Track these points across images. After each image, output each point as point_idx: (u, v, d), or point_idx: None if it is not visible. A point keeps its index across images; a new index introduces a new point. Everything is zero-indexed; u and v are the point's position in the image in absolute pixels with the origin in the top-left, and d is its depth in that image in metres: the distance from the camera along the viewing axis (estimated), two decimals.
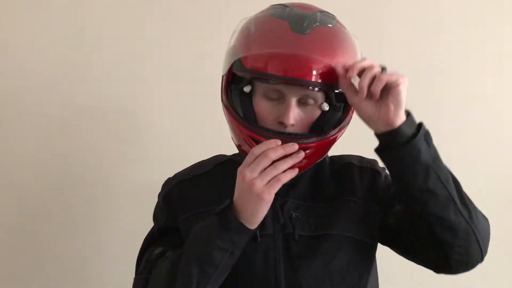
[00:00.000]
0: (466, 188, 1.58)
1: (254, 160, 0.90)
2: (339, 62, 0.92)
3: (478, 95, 1.67)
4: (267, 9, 1.01)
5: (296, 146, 0.91)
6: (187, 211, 1.05)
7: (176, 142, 1.62)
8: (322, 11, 0.99)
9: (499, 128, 1.68)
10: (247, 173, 0.89)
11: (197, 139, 1.61)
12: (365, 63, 0.89)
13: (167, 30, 1.63)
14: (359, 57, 0.98)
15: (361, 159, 1.11)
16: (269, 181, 0.89)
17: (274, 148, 0.90)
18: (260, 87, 0.97)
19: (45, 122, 1.62)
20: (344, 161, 1.11)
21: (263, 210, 0.90)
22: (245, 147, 0.98)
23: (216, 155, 1.16)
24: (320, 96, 0.96)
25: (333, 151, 1.06)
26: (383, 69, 0.89)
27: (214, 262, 0.92)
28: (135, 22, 1.63)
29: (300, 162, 0.92)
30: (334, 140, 0.99)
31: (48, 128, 1.62)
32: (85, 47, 1.62)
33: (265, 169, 0.89)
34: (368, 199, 1.05)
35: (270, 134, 0.93)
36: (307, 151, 0.93)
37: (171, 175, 1.15)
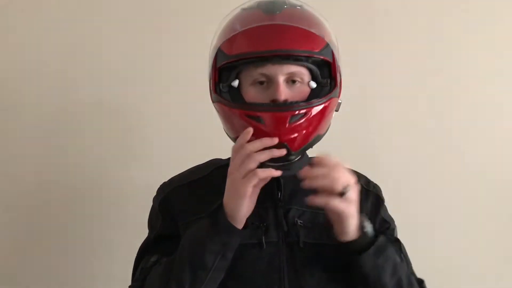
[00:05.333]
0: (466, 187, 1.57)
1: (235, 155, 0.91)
2: (312, 30, 0.96)
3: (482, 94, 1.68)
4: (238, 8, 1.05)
5: (275, 140, 0.90)
6: (186, 217, 1.04)
7: (177, 143, 1.62)
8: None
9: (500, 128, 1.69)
10: (231, 169, 0.92)
11: (197, 140, 1.61)
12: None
13: (169, 30, 1.63)
14: (332, 36, 1.01)
15: (367, 181, 1.12)
16: (247, 174, 0.89)
17: (252, 142, 0.90)
18: (247, 77, 0.98)
19: (45, 122, 1.62)
20: None
21: (242, 205, 0.90)
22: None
23: (212, 159, 1.15)
24: (306, 73, 0.98)
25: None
26: (343, 193, 0.89)
27: (206, 265, 0.92)
28: (136, 22, 1.64)
29: (298, 132, 0.92)
30: (325, 110, 0.97)
31: (48, 128, 1.62)
32: (86, 47, 1.63)
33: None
34: None
35: (265, 107, 0.93)
36: (304, 119, 0.93)
37: (171, 176, 1.15)
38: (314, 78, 0.99)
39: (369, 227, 0.95)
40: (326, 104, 0.96)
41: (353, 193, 0.91)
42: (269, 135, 0.91)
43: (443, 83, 1.66)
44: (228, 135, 1.04)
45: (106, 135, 1.63)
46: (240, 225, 0.92)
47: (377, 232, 0.97)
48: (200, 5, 1.63)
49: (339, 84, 1.00)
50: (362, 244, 0.94)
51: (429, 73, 1.66)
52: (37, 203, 1.62)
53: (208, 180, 1.09)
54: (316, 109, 0.94)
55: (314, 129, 0.96)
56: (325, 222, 0.96)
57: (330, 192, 0.89)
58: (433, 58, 1.66)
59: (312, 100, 0.95)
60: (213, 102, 1.03)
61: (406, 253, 1.07)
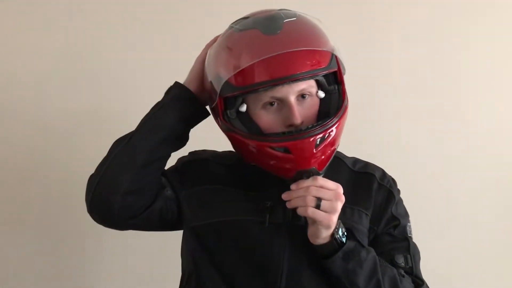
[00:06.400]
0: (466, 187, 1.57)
1: None
2: (316, 45, 0.95)
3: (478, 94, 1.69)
4: (230, 28, 1.02)
5: None
6: (193, 186, 1.08)
7: None
8: (281, 10, 1.01)
9: (500, 127, 1.70)
10: None
11: (196, 143, 1.61)
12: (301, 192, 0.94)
13: (169, 36, 1.64)
14: (329, 38, 0.99)
15: (383, 175, 1.12)
16: None
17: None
18: (256, 100, 0.97)
19: (44, 125, 1.62)
20: (367, 169, 1.11)
21: (192, 70, 1.06)
22: (270, 161, 0.96)
23: None
24: (314, 85, 0.98)
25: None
26: (319, 200, 0.92)
27: (159, 121, 1.03)
28: (135, 24, 1.64)
29: (325, 153, 0.94)
30: (343, 121, 0.98)
31: (47, 130, 1.63)
32: (84, 49, 1.63)
33: None
34: (374, 217, 1.07)
35: (288, 136, 0.93)
36: (328, 140, 0.94)
37: None
38: (320, 86, 0.99)
39: (340, 234, 0.97)
40: (344, 116, 0.97)
41: (331, 205, 0.93)
42: (299, 163, 0.93)
43: (446, 83, 1.67)
44: (243, 157, 1.04)
45: (104, 140, 1.62)
46: (191, 86, 1.04)
47: (352, 237, 0.99)
48: (201, 12, 1.63)
49: (345, 89, 1.00)
50: (330, 249, 0.96)
51: (431, 72, 1.67)
52: (34, 204, 1.62)
53: (232, 167, 1.11)
54: (335, 126, 0.95)
55: (336, 144, 0.98)
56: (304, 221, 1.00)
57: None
58: (435, 58, 1.68)
59: (331, 119, 0.95)
60: (223, 131, 1.02)
61: (415, 252, 1.07)
